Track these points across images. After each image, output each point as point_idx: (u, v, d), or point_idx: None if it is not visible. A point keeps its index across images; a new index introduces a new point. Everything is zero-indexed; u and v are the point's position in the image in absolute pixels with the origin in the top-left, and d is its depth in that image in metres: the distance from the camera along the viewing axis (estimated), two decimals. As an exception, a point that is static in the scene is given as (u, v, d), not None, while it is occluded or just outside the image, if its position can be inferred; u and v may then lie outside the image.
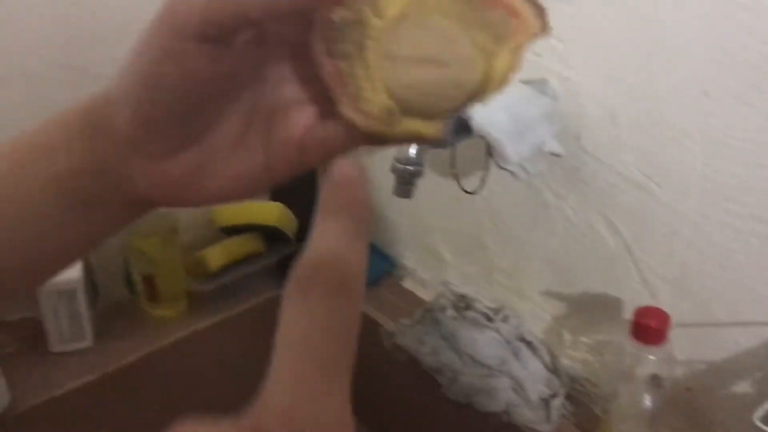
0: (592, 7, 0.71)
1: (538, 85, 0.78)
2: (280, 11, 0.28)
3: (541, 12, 0.29)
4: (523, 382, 0.86)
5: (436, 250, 1.03)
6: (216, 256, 1.00)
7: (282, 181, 0.33)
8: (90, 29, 0.85)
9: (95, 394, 0.89)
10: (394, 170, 0.69)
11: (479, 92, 0.30)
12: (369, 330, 1.00)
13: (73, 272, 0.86)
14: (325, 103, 0.32)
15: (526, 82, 0.79)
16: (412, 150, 0.70)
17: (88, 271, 0.90)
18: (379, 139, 0.31)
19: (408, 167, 0.69)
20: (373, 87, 0.30)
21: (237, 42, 0.29)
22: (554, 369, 0.89)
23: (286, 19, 0.29)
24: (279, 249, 1.07)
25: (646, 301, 0.77)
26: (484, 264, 0.96)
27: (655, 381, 0.74)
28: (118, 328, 0.95)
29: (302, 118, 0.33)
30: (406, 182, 0.70)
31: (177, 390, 0.97)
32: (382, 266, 1.10)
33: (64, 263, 0.36)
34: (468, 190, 0.83)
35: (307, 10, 0.29)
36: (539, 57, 0.78)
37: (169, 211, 0.92)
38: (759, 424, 0.61)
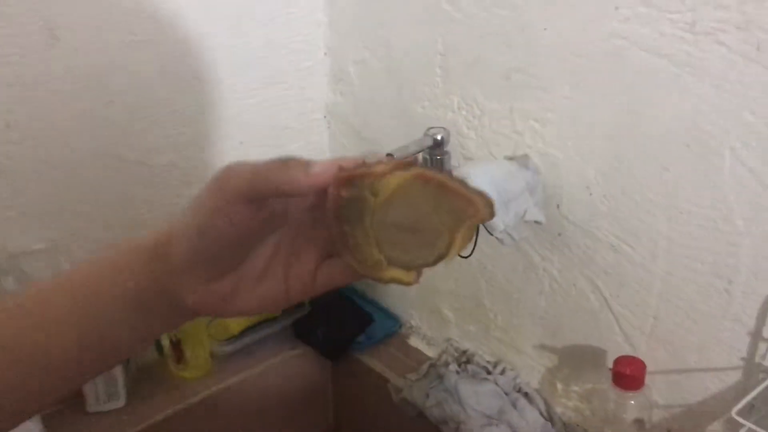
0: (565, 92, 0.82)
1: (521, 160, 0.88)
2: (303, 189, 0.39)
3: (489, 203, 0.41)
4: (521, 430, 0.93)
5: (439, 310, 1.12)
6: (236, 320, 1.09)
7: (297, 303, 0.45)
8: (122, 123, 0.96)
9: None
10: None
11: (443, 255, 0.42)
12: (378, 385, 1.08)
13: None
14: (332, 247, 0.43)
15: (510, 158, 0.89)
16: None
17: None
18: (370, 279, 0.42)
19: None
20: (368, 244, 0.40)
21: (270, 203, 0.40)
22: (549, 417, 0.96)
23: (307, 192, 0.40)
24: (293, 312, 1.16)
25: (627, 351, 0.85)
26: (483, 321, 1.05)
27: (638, 424, 0.82)
28: (149, 389, 1.04)
29: (314, 257, 0.44)
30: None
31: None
32: (390, 326, 1.18)
33: (119, 360, 0.47)
34: (462, 255, 0.93)
35: (322, 188, 0.39)
36: (521, 136, 0.88)
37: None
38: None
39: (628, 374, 0.78)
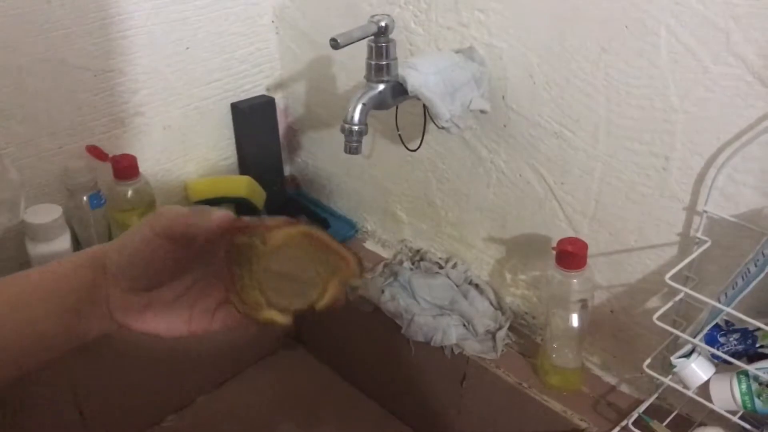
0: (508, -19, 0.82)
1: (467, 52, 0.89)
2: (208, 234, 0.48)
3: (360, 262, 0.49)
4: (472, 319, 0.97)
5: (393, 211, 1.14)
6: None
7: (196, 336, 0.54)
8: (65, 26, 0.94)
9: (86, 353, 0.96)
10: (342, 130, 0.80)
11: (315, 303, 0.49)
12: (335, 287, 1.10)
13: (62, 243, 0.95)
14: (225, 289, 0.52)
15: (456, 51, 0.90)
16: (357, 112, 0.80)
17: (76, 243, 0.99)
18: (252, 322, 0.49)
19: (353, 126, 0.79)
20: (252, 286, 0.47)
21: (191, 245, 0.49)
22: (499, 306, 1.00)
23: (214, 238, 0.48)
24: (249, 219, 1.17)
25: (570, 235, 0.88)
26: (434, 219, 1.07)
27: (581, 303, 0.85)
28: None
29: (214, 301, 0.54)
30: (353, 140, 0.80)
31: (157, 346, 1.04)
32: (346, 231, 1.20)
33: (51, 356, 0.53)
34: (411, 148, 0.94)
35: (222, 234, 0.48)
36: (467, 28, 0.89)
37: (147, 186, 1.01)
38: (659, 323, 0.72)
39: (570, 251, 0.81)
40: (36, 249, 0.94)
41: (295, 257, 0.48)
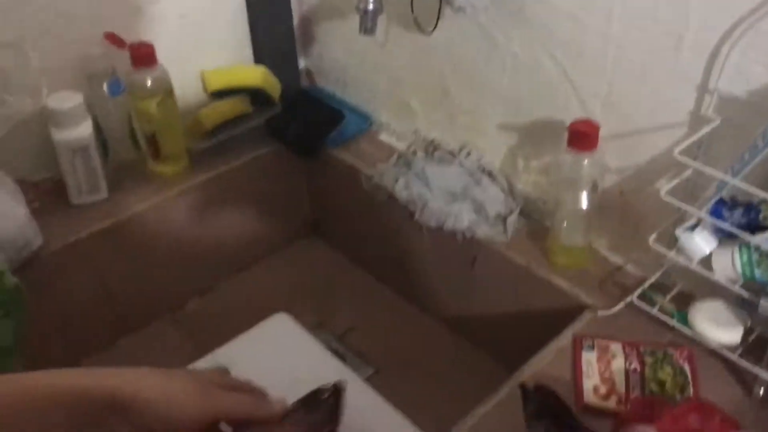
0: None
1: (483, -67, 0.88)
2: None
3: None
4: (484, 204, 0.99)
5: (406, 102, 1.15)
6: (209, 116, 1.11)
7: None
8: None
9: (112, 237, 1.02)
10: (357, 9, 0.80)
11: None
12: (351, 177, 1.13)
13: (84, 129, 0.97)
14: None
15: (472, -68, 0.89)
16: (372, -8, 0.81)
17: (98, 130, 1.01)
18: None
19: (369, 5, 0.80)
20: None
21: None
22: (510, 192, 1.02)
23: None
24: (265, 110, 1.18)
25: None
26: (449, 109, 1.08)
27: (591, 184, 0.87)
28: (129, 183, 1.08)
29: None
30: (368, 20, 0.81)
31: (178, 233, 1.11)
32: (360, 123, 1.22)
33: None
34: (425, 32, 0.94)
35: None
36: None
37: (165, 75, 1.03)
38: (667, 198, 0.74)
39: (583, 131, 0.82)
40: (59, 134, 0.97)
41: None
